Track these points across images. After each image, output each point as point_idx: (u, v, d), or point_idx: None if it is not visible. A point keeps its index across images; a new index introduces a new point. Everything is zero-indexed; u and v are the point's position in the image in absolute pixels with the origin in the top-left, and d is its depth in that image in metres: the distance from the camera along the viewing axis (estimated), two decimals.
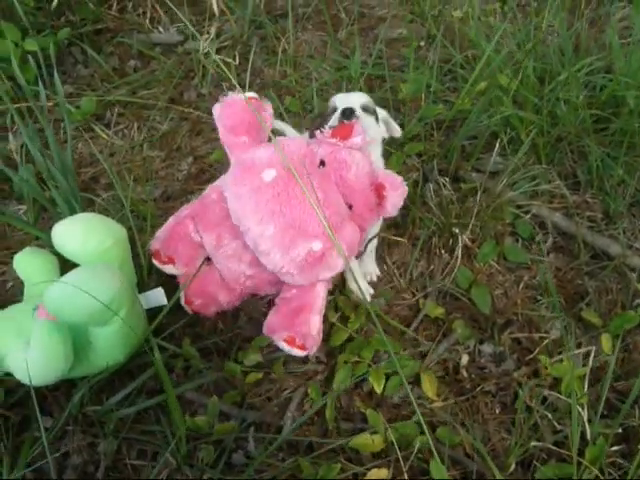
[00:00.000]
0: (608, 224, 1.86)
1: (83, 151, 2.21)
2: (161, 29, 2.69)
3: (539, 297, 1.72)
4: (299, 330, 1.44)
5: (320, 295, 1.49)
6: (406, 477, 1.32)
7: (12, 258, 1.82)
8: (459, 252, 1.75)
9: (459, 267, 1.73)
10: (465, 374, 1.57)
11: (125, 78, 2.44)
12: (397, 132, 1.76)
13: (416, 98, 2.04)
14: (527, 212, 1.86)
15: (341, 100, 1.65)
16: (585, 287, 1.74)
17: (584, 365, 1.50)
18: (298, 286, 1.49)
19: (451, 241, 1.79)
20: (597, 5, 2.61)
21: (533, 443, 1.39)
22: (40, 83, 1.98)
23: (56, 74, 1.90)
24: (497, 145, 1.78)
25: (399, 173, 1.53)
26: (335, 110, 1.61)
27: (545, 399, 1.49)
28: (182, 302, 1.59)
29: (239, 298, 1.62)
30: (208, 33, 2.55)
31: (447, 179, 1.88)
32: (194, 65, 2.46)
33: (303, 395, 1.49)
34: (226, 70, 1.46)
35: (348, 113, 1.55)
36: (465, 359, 1.59)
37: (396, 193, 1.47)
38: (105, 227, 1.56)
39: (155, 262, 1.59)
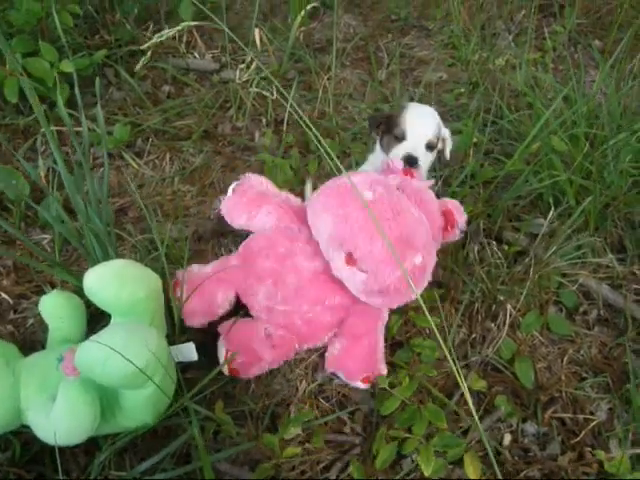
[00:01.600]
0: None
1: (112, 180, 2.14)
2: (197, 55, 2.64)
3: (584, 374, 1.65)
4: (375, 369, 1.54)
5: (383, 328, 1.61)
6: None
7: (34, 292, 1.76)
8: (505, 321, 1.68)
9: (503, 337, 1.66)
10: (508, 455, 1.49)
11: (158, 105, 2.38)
12: (447, 157, 1.79)
13: (462, 151, 1.98)
14: (573, 281, 1.79)
15: (412, 114, 1.69)
16: (633, 365, 1.66)
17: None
18: (363, 320, 1.59)
19: (494, 307, 1.72)
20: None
21: None
22: (80, 105, 1.91)
23: (99, 105, 1.82)
24: (551, 212, 1.71)
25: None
26: (403, 123, 1.67)
27: None
28: (221, 359, 1.51)
29: (285, 356, 1.55)
30: (244, 63, 2.49)
31: (492, 241, 1.81)
32: (230, 95, 2.40)
33: (340, 470, 1.41)
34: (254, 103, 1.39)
35: (412, 162, 1.65)
36: (508, 439, 1.51)
37: (462, 218, 1.64)
38: (140, 277, 1.48)
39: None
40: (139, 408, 1.35)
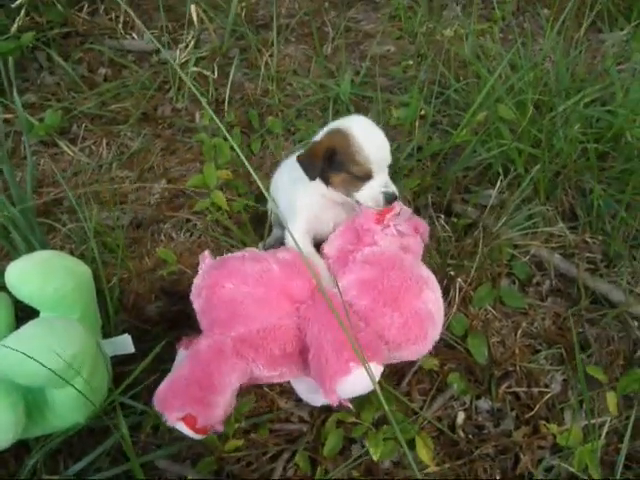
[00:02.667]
0: (608, 266, 1.76)
1: (45, 168, 2.02)
2: (135, 35, 2.52)
3: (538, 347, 1.62)
4: None
5: None
6: None
7: None
8: (456, 296, 1.63)
9: (454, 313, 1.61)
10: (462, 434, 1.45)
11: (94, 89, 2.26)
12: None
13: (409, 123, 1.92)
14: (525, 252, 1.75)
15: (368, 142, 1.39)
16: (586, 335, 1.63)
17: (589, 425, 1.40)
18: None
19: (445, 282, 1.67)
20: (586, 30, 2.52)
21: None
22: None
23: (14, 85, 1.70)
24: (499, 182, 1.66)
25: None
26: (363, 159, 1.38)
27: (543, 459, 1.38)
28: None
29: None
30: (184, 42, 2.38)
31: (441, 215, 1.76)
32: (169, 77, 2.29)
33: (287, 461, 1.35)
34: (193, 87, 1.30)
35: (392, 199, 1.42)
36: (461, 417, 1.47)
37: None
38: (66, 268, 1.39)
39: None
40: (68, 407, 1.27)
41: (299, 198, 1.52)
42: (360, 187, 1.42)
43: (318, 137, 1.47)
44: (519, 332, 1.64)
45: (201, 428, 1.21)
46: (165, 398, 1.23)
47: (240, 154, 0.97)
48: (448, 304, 1.63)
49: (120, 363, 1.47)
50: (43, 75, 2.32)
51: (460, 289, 1.64)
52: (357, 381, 1.20)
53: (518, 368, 1.57)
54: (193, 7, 2.22)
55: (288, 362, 1.34)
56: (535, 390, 1.53)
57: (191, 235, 1.81)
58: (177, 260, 1.68)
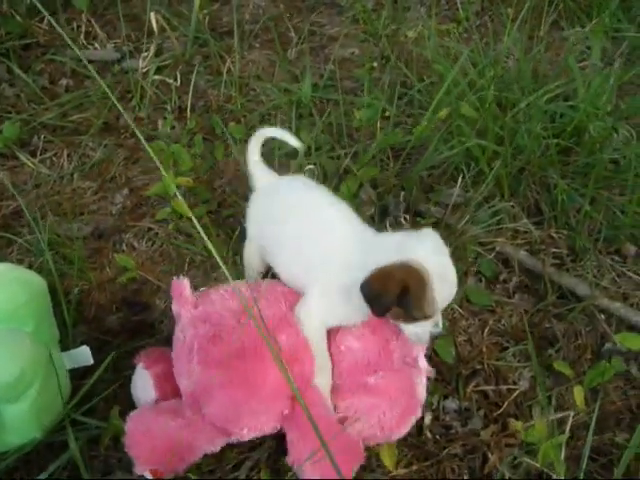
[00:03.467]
0: (574, 261, 1.76)
1: (5, 182, 1.98)
2: (97, 45, 2.49)
3: (506, 344, 1.60)
4: None
5: None
6: None
7: None
8: None
9: None
10: (429, 435, 1.43)
11: (55, 100, 2.23)
12: None
13: (371, 125, 1.91)
14: (490, 250, 1.74)
15: (440, 284, 1.15)
16: (553, 330, 1.62)
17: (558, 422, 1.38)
18: None
19: None
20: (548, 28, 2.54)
21: None
22: None
23: None
24: (460, 179, 1.66)
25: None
26: (430, 304, 1.15)
27: (515, 459, 1.36)
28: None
29: None
30: (147, 51, 2.36)
31: (407, 215, 1.74)
32: (132, 86, 2.26)
33: (250, 469, 1.32)
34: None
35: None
36: (429, 418, 1.45)
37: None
38: (19, 280, 1.36)
39: None
40: (21, 422, 1.23)
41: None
42: (412, 322, 1.22)
43: (386, 256, 1.15)
44: (486, 330, 1.62)
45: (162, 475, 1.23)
46: (140, 450, 1.22)
47: None
48: None
49: (80, 376, 1.44)
50: (3, 87, 2.29)
51: None
52: None
53: (486, 366, 1.55)
54: (153, 15, 2.20)
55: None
56: (503, 388, 1.51)
57: (153, 244, 1.78)
58: (136, 266, 1.65)
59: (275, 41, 2.27)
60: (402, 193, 1.78)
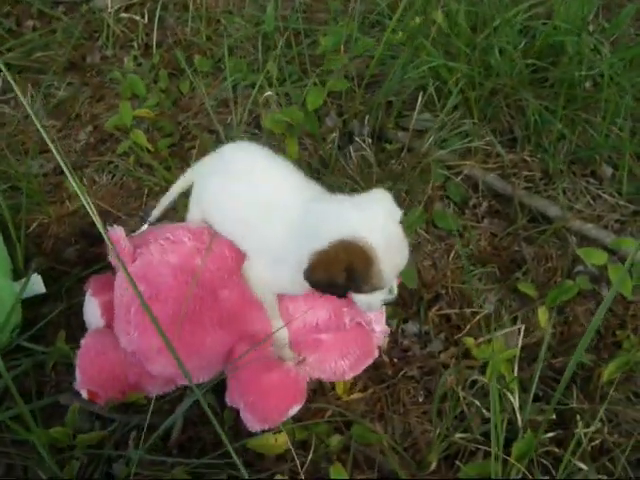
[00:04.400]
0: (547, 184, 1.68)
1: None
2: None
3: (472, 267, 1.55)
4: None
5: None
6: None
7: None
8: None
9: None
10: (386, 358, 1.39)
11: (20, 39, 2.17)
12: None
13: (336, 51, 1.83)
14: (458, 173, 1.68)
15: (387, 257, 1.08)
16: (522, 254, 1.57)
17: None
18: None
19: None
20: None
21: (458, 435, 1.22)
22: None
23: None
24: (420, 98, 1.58)
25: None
26: (377, 276, 1.08)
27: (474, 384, 1.32)
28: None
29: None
30: None
31: (370, 140, 1.68)
32: (100, 26, 2.20)
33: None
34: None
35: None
36: (386, 341, 1.41)
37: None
38: None
39: None
40: None
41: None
42: (362, 294, 1.15)
43: (326, 239, 1.06)
44: (452, 254, 1.57)
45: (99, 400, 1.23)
46: (84, 371, 1.22)
47: None
48: None
49: (37, 305, 1.43)
50: None
51: None
52: None
53: (450, 290, 1.51)
54: None
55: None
56: (467, 311, 1.46)
57: (113, 177, 1.75)
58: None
59: None
60: (367, 117, 1.70)
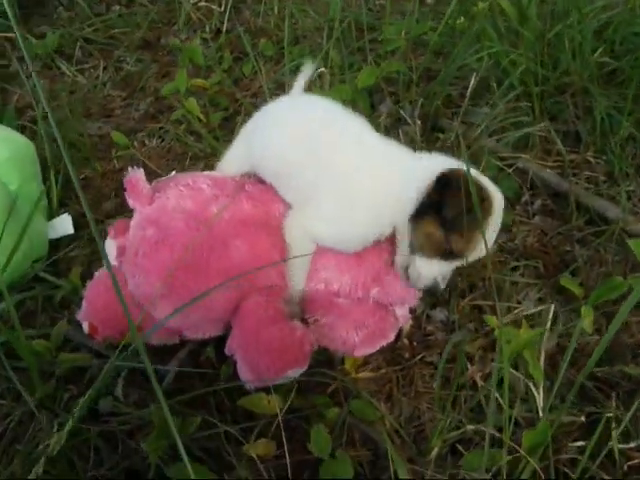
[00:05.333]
0: (611, 187, 1.54)
1: (45, 87, 2.05)
2: None
3: (515, 262, 1.42)
4: None
5: None
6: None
7: None
8: None
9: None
10: (406, 342, 1.28)
11: (103, 19, 2.29)
12: None
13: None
14: (511, 166, 1.57)
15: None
16: (574, 255, 1.42)
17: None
18: None
19: None
20: None
21: (470, 426, 1.09)
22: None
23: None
24: (471, 84, 1.50)
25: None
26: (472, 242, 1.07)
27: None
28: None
29: None
30: None
31: (420, 123, 1.61)
32: (178, 11, 2.29)
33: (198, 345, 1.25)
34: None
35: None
36: (408, 325, 1.31)
37: None
38: (4, 138, 1.38)
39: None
40: None
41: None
42: (430, 258, 1.10)
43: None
44: (494, 246, 1.45)
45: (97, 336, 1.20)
46: (89, 303, 1.20)
47: None
48: None
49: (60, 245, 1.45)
50: (59, 10, 2.39)
51: None
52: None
53: (486, 282, 1.38)
54: None
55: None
56: (503, 305, 1.34)
57: (162, 141, 1.78)
58: (130, 145, 1.70)
59: None
60: (420, 101, 1.64)
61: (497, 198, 1.09)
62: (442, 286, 1.14)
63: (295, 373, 1.13)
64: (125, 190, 1.22)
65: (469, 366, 1.22)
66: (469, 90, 1.53)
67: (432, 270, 1.11)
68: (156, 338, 1.21)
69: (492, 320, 1.17)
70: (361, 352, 1.21)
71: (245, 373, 1.11)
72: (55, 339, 1.17)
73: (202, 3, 2.31)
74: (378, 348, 1.22)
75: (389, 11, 1.90)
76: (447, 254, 1.08)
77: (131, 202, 1.23)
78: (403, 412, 1.16)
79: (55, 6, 2.42)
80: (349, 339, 1.19)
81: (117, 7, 2.41)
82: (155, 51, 2.17)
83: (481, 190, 1.04)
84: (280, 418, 1.05)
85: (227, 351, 1.15)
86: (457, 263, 1.11)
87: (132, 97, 1.99)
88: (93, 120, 1.88)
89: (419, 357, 1.25)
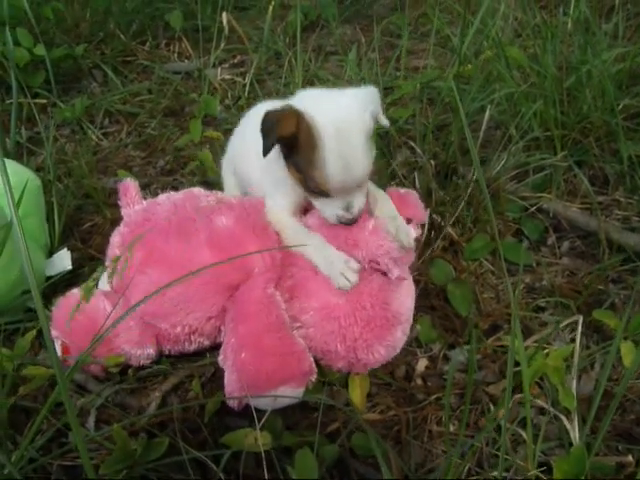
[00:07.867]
0: None
1: (69, 150, 2.09)
2: (186, 60, 2.67)
3: (543, 303, 1.29)
4: None
5: None
6: None
7: None
8: (439, 242, 1.38)
9: (435, 260, 1.35)
10: (420, 382, 1.14)
11: (130, 89, 2.38)
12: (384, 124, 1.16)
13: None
14: (533, 205, 1.48)
15: (332, 156, 1.02)
16: (608, 294, 1.29)
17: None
18: None
19: (433, 233, 1.42)
20: None
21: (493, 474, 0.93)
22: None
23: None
24: (486, 116, 1.45)
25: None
26: (319, 175, 1.04)
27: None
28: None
29: None
30: (228, 63, 2.51)
31: (435, 169, 1.55)
32: (204, 83, 2.37)
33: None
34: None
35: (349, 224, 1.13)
36: (422, 365, 1.17)
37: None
38: (12, 171, 1.36)
39: None
40: None
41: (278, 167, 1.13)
42: (315, 198, 1.11)
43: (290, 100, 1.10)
44: (520, 287, 1.33)
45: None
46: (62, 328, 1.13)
47: None
48: (432, 251, 1.39)
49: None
50: (93, 85, 2.50)
51: (452, 241, 1.40)
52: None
53: (513, 322, 1.25)
54: (225, 15, 2.33)
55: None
56: (531, 341, 1.20)
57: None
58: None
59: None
60: (434, 150, 1.59)
61: (320, 123, 1.02)
62: (352, 214, 1.09)
63: (286, 391, 1.00)
64: (119, 197, 1.27)
65: (491, 407, 1.07)
66: (482, 129, 1.48)
67: (326, 209, 1.10)
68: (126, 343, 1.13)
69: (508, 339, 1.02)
70: (368, 358, 1.10)
71: (233, 383, 1.01)
72: (20, 348, 1.09)
73: (226, 76, 2.38)
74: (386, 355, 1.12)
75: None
76: (315, 192, 1.08)
77: (123, 209, 1.26)
78: (412, 456, 1.00)
79: (89, 83, 2.54)
80: (347, 328, 1.09)
81: (147, 82, 2.50)
82: (178, 117, 2.21)
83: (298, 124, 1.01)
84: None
85: (221, 361, 1.07)
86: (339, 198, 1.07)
87: (152, 156, 2.01)
88: (110, 175, 1.89)
89: (433, 397, 1.10)
